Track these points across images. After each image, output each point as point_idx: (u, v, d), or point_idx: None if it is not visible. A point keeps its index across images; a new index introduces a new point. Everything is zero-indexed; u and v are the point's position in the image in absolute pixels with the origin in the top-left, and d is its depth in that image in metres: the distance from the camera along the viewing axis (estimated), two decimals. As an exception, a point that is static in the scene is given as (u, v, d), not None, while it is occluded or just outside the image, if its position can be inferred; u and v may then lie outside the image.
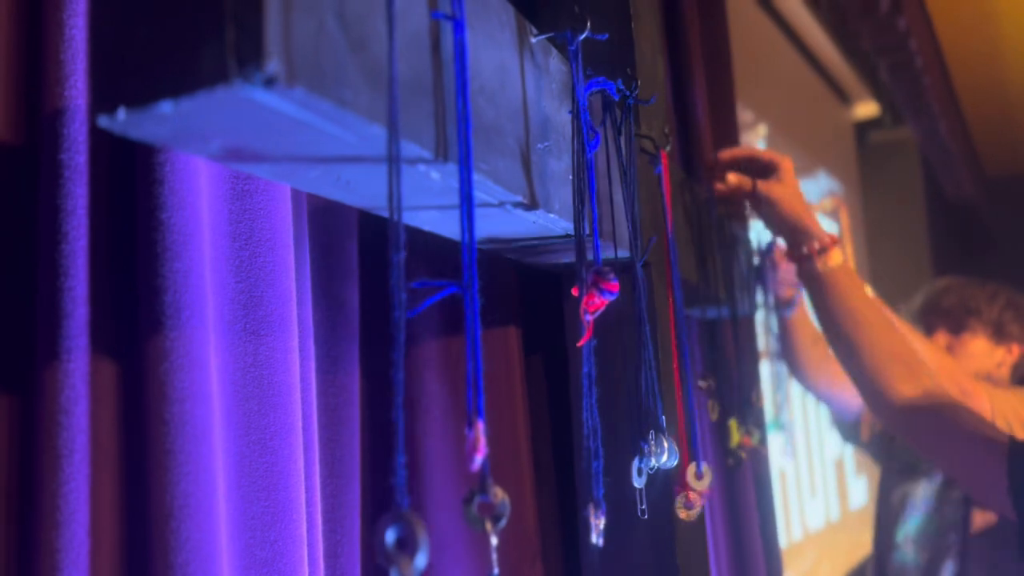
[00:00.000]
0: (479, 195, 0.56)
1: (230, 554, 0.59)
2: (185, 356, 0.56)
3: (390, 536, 0.36)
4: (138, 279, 0.57)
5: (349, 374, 0.75)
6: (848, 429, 1.95)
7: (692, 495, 0.78)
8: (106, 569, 0.55)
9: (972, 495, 1.10)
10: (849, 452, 3.46)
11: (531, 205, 0.60)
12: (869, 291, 1.21)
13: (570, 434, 0.89)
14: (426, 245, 0.72)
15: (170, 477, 0.55)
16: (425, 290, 0.46)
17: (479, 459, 0.38)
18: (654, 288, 0.83)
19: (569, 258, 0.78)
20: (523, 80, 0.60)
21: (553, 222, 0.65)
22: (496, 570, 0.41)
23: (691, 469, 0.79)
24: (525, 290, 0.90)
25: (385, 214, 0.58)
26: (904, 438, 1.16)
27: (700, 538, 0.86)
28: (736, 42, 1.68)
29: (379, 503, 0.79)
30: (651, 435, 0.69)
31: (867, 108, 4.26)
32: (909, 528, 1.83)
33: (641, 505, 0.70)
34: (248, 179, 0.63)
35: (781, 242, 1.52)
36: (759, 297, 1.47)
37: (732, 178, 1.17)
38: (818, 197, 3.61)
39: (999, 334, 1.88)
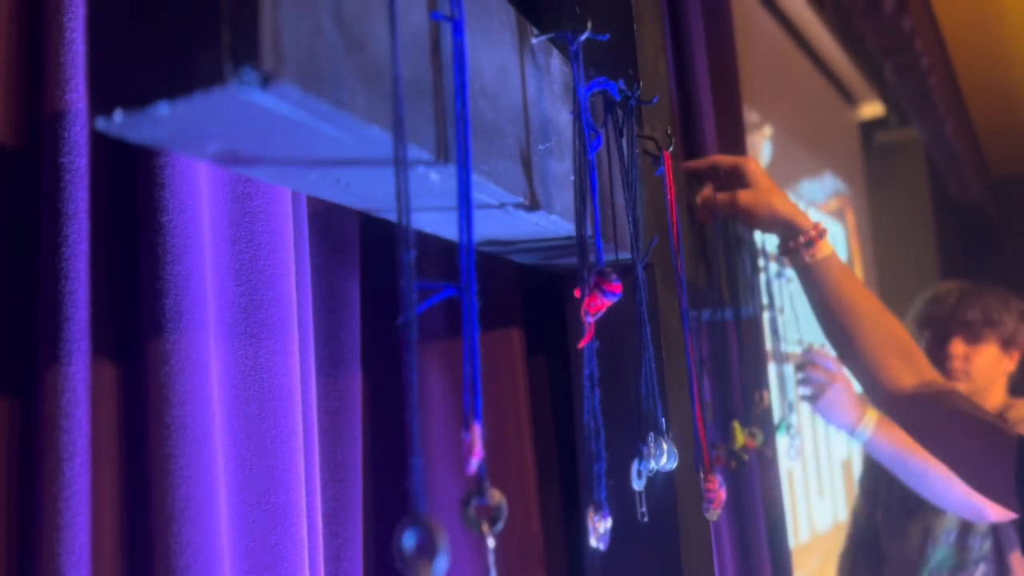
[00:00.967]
0: (480, 197, 0.55)
1: (231, 557, 0.59)
2: (186, 359, 0.56)
3: (408, 540, 0.36)
4: (139, 282, 0.57)
5: (350, 376, 0.75)
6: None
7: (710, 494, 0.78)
8: (107, 572, 0.55)
9: (972, 484, 1.10)
10: (857, 453, 3.45)
11: (532, 206, 0.59)
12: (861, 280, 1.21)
13: (574, 436, 0.89)
14: (427, 247, 0.72)
15: (171, 480, 0.55)
16: (424, 292, 0.46)
17: (475, 462, 0.38)
18: (657, 289, 0.83)
19: (570, 260, 0.78)
20: (524, 81, 0.60)
21: (554, 224, 0.64)
22: (493, 572, 0.41)
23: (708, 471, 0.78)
24: (528, 291, 0.90)
25: (384, 215, 0.58)
26: (905, 427, 1.16)
27: (705, 540, 0.86)
28: (741, 43, 1.67)
29: (381, 506, 0.79)
30: (650, 437, 0.69)
31: (872, 108, 4.26)
32: (934, 563, 1.83)
33: (641, 508, 0.69)
34: (248, 182, 0.63)
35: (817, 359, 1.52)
36: (762, 299, 1.46)
37: (704, 193, 1.15)
38: (824, 197, 3.60)
39: (1009, 343, 1.91)
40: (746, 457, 1.15)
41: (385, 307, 0.80)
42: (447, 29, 0.48)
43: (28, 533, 0.53)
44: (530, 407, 0.88)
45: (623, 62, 0.81)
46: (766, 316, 1.44)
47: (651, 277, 0.82)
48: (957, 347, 1.88)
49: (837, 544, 3.05)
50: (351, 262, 0.76)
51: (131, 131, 0.35)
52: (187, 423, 0.56)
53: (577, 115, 0.64)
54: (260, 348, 0.62)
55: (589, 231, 0.64)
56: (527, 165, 0.59)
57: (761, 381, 1.34)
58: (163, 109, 0.33)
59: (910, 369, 1.10)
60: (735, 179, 1.14)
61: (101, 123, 0.34)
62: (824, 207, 3.59)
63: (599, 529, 0.61)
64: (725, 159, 1.16)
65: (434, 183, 0.49)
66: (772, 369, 1.45)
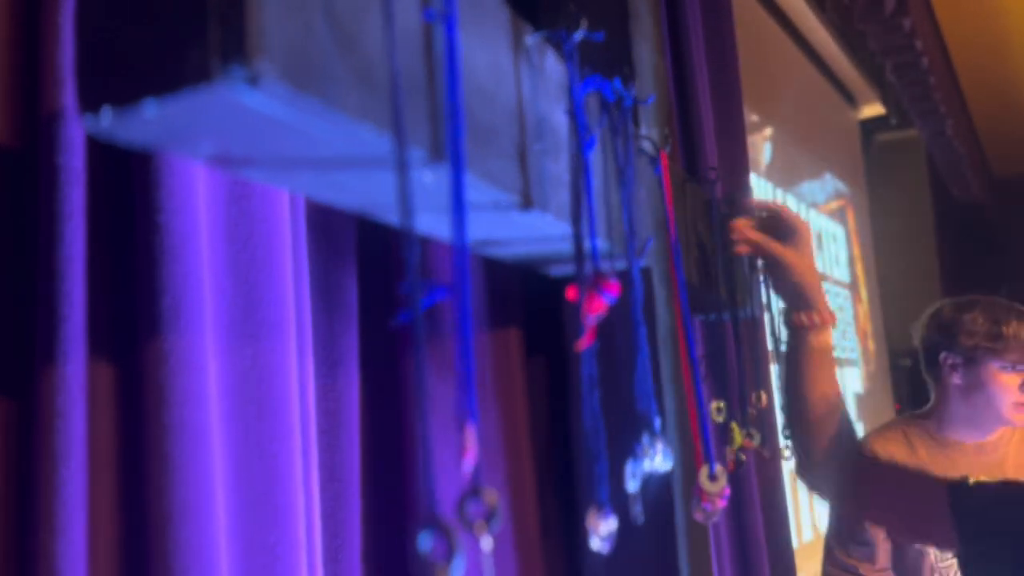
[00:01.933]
0: (474, 197, 0.55)
1: (229, 558, 0.59)
2: (183, 360, 0.56)
3: (424, 543, 0.35)
4: (136, 282, 0.57)
5: (348, 377, 0.74)
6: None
7: (706, 497, 0.78)
8: (104, 574, 0.55)
9: (915, 541, 1.19)
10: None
11: (527, 206, 0.59)
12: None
13: (571, 437, 0.89)
14: (424, 248, 0.72)
15: (168, 481, 0.55)
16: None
17: (469, 462, 0.38)
18: (654, 290, 0.83)
19: (566, 266, 0.78)
20: (518, 80, 0.60)
21: (550, 224, 0.64)
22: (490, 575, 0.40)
23: (704, 471, 0.78)
24: (526, 292, 0.90)
25: (379, 216, 0.58)
26: (839, 506, 1.28)
27: (703, 542, 0.86)
28: (742, 44, 1.67)
29: (378, 507, 0.79)
30: (644, 438, 0.69)
31: (873, 108, 4.25)
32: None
33: (636, 509, 0.69)
34: (245, 182, 0.63)
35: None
36: (763, 298, 1.46)
37: (754, 235, 1.16)
38: (824, 198, 3.60)
39: None
40: (743, 458, 1.15)
41: (383, 308, 0.80)
42: (440, 28, 0.48)
43: (25, 534, 0.53)
44: (529, 407, 0.88)
45: (619, 61, 0.81)
46: (765, 317, 1.44)
47: (647, 278, 0.82)
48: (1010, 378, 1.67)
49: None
50: (349, 262, 0.76)
51: (120, 131, 0.35)
52: (184, 424, 0.56)
53: (572, 115, 0.64)
54: (258, 348, 0.62)
55: (584, 232, 0.63)
56: (522, 165, 0.59)
57: (759, 381, 1.34)
58: (151, 108, 0.32)
59: (841, 452, 1.19)
60: (783, 235, 1.15)
61: (89, 122, 0.34)
62: (824, 207, 3.58)
63: (601, 530, 0.61)
64: (788, 213, 1.17)
65: (427, 183, 0.49)
66: (773, 370, 1.45)
